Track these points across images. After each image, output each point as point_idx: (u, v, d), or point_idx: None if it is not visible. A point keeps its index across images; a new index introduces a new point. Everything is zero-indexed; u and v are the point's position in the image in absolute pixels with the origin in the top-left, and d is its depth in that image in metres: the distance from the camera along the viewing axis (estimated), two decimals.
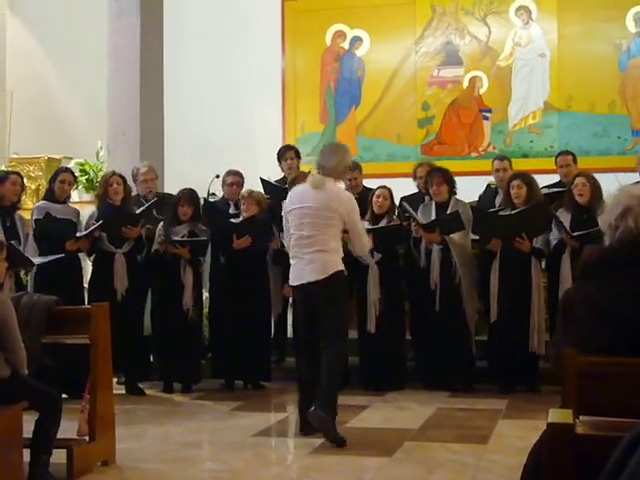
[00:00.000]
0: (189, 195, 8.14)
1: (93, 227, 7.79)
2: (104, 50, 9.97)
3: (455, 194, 8.07)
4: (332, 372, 6.00)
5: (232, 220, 8.19)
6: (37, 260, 7.46)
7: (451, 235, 7.84)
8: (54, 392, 4.94)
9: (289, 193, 6.52)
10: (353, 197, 6.43)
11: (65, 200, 8.05)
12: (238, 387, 8.23)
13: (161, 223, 8.12)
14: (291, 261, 6.23)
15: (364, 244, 6.42)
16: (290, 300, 8.66)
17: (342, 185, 6.61)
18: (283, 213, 6.42)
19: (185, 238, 8.03)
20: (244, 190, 8.38)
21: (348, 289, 6.51)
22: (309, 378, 6.13)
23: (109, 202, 7.92)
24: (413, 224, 7.92)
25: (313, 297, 6.07)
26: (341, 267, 6.12)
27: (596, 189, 7.75)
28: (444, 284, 7.85)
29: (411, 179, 8.88)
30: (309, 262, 6.05)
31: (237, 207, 8.49)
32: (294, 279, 6.19)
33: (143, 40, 9.81)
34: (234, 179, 8.63)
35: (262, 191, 8.55)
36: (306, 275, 6.08)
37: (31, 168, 10.64)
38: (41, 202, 8.09)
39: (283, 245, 7.58)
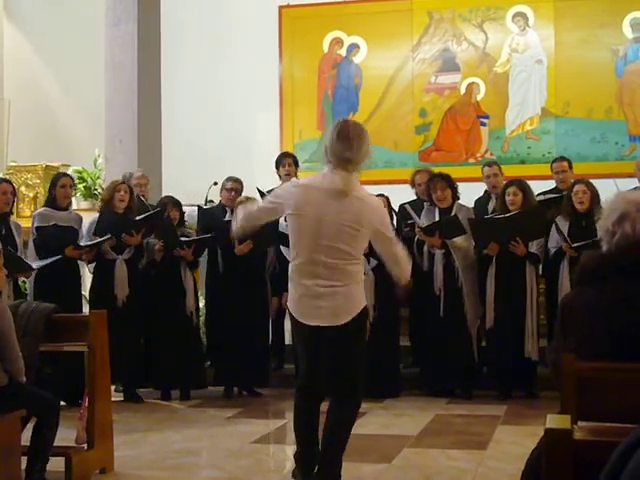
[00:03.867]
0: (174, 200, 8.26)
1: (101, 240, 7.76)
2: (102, 58, 9.98)
3: (458, 199, 8.08)
4: (345, 435, 4.87)
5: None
6: (36, 264, 7.45)
7: (454, 239, 7.85)
8: (51, 399, 4.93)
9: (294, 187, 4.83)
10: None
11: (67, 206, 8.04)
12: (236, 394, 8.23)
13: (152, 235, 8.12)
14: (296, 287, 4.73)
15: (406, 266, 4.88)
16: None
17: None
18: (277, 208, 4.90)
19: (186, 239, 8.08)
20: (240, 197, 8.39)
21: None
22: (311, 438, 4.92)
23: (112, 210, 7.92)
24: (417, 228, 7.93)
25: (329, 340, 4.69)
26: (365, 301, 4.79)
27: (595, 196, 7.76)
28: (447, 289, 7.87)
29: (409, 186, 8.89)
30: (329, 297, 4.62)
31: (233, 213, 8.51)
32: (304, 316, 4.72)
33: (140, 48, 9.82)
34: (234, 185, 8.67)
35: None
36: (324, 314, 4.64)
37: (29, 176, 10.64)
38: (42, 209, 8.06)
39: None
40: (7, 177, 9.43)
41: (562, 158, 8.99)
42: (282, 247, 8.08)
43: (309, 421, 4.93)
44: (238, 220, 5.01)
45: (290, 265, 4.79)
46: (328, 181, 4.62)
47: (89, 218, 8.18)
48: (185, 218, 8.43)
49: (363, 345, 4.88)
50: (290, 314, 4.83)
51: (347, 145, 4.58)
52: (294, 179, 4.96)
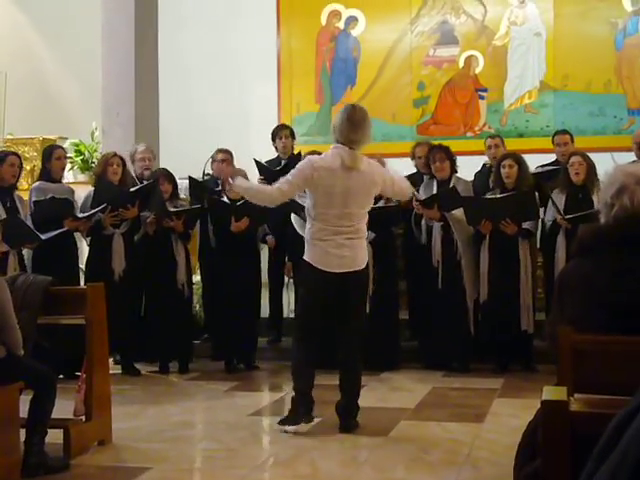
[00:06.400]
0: (166, 173, 8.24)
1: (97, 209, 7.76)
2: (98, 29, 9.92)
3: (456, 172, 8.07)
4: (359, 382, 5.87)
5: (226, 200, 8.15)
6: (44, 236, 7.45)
7: (453, 212, 7.84)
8: (48, 372, 4.94)
9: (312, 170, 5.63)
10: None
11: (60, 179, 8.04)
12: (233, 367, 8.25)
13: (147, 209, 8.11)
14: (320, 243, 5.66)
15: (409, 188, 6.15)
16: (286, 280, 8.68)
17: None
18: (304, 178, 5.64)
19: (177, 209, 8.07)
20: (229, 168, 8.34)
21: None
22: (311, 381, 5.80)
23: (108, 181, 7.91)
24: (415, 202, 7.91)
25: (345, 287, 5.69)
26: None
27: (591, 168, 7.75)
28: (445, 261, 7.86)
29: (406, 159, 8.87)
30: (350, 248, 5.66)
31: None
32: (332, 266, 5.65)
33: (137, 19, 9.75)
34: (224, 156, 8.65)
35: (257, 172, 8.54)
36: (347, 263, 5.66)
37: (26, 149, 10.59)
38: (38, 183, 8.03)
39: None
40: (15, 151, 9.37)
41: (564, 131, 8.94)
42: (294, 216, 7.94)
43: (311, 359, 5.76)
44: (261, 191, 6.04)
45: (312, 229, 5.71)
46: (339, 160, 5.58)
47: (85, 192, 8.17)
48: (179, 191, 8.41)
49: (365, 298, 6.19)
50: (312, 268, 5.69)
51: (354, 128, 5.58)
52: (310, 158, 5.84)
